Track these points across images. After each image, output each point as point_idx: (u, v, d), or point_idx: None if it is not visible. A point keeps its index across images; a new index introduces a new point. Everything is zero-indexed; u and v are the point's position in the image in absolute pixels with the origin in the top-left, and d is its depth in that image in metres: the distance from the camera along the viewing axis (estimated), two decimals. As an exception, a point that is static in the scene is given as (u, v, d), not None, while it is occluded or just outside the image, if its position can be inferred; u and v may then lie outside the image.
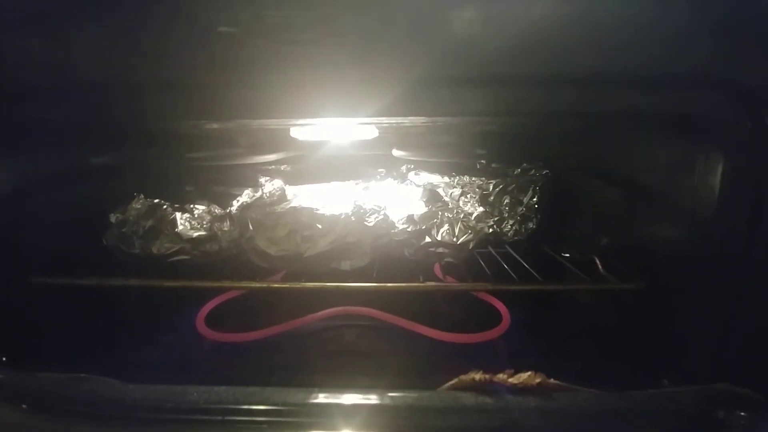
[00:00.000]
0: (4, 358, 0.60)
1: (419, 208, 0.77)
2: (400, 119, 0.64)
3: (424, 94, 0.53)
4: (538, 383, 0.49)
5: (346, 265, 0.73)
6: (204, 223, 0.76)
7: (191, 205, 0.77)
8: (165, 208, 0.76)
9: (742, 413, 0.49)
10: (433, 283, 0.73)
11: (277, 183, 0.84)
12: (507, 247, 0.89)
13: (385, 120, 0.67)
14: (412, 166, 0.99)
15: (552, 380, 0.50)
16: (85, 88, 0.55)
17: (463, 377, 0.51)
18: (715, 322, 0.57)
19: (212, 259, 0.76)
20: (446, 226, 0.75)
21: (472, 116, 0.63)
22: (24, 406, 0.51)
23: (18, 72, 0.53)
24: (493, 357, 0.73)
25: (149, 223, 0.75)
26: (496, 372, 0.51)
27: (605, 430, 0.50)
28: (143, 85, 0.54)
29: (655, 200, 0.70)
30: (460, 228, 0.75)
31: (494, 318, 0.78)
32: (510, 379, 0.50)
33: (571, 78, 0.52)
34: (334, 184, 0.88)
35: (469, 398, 0.50)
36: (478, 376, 0.50)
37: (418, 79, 0.51)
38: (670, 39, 0.48)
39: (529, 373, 0.50)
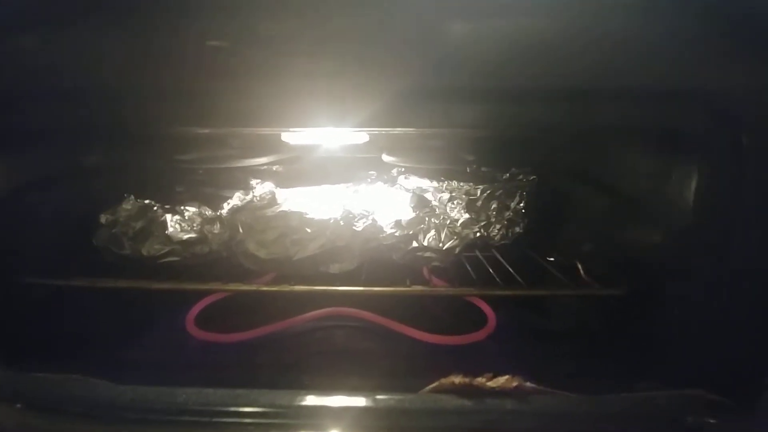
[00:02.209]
0: (-2, 358, 0.61)
1: (407, 214, 0.79)
2: (390, 129, 0.65)
3: (416, 106, 0.54)
4: (515, 387, 0.51)
5: (334, 269, 0.74)
6: (194, 225, 0.76)
7: (182, 207, 0.78)
8: (155, 210, 0.77)
9: (711, 420, 0.51)
10: (419, 287, 0.74)
11: (268, 186, 0.85)
12: (494, 251, 0.90)
13: (375, 130, 0.69)
14: (403, 170, 1.00)
15: (528, 384, 0.52)
16: (76, 94, 0.55)
17: (443, 380, 0.52)
18: (693, 328, 0.59)
19: (202, 261, 0.77)
20: (433, 232, 0.77)
21: (462, 128, 0.64)
22: (18, 405, 0.53)
23: (8, 77, 0.53)
24: (480, 358, 0.74)
25: (139, 224, 0.75)
26: (477, 374, 0.53)
27: (578, 433, 0.52)
28: (134, 91, 0.54)
29: (636, 208, 0.72)
30: (446, 234, 0.77)
31: (483, 320, 0.79)
32: (488, 383, 0.52)
33: (561, 94, 0.53)
34: (324, 186, 0.89)
35: (449, 401, 0.52)
36: (458, 379, 0.52)
37: (410, 92, 0.52)
38: (657, 56, 0.50)
39: (507, 377, 0.52)
